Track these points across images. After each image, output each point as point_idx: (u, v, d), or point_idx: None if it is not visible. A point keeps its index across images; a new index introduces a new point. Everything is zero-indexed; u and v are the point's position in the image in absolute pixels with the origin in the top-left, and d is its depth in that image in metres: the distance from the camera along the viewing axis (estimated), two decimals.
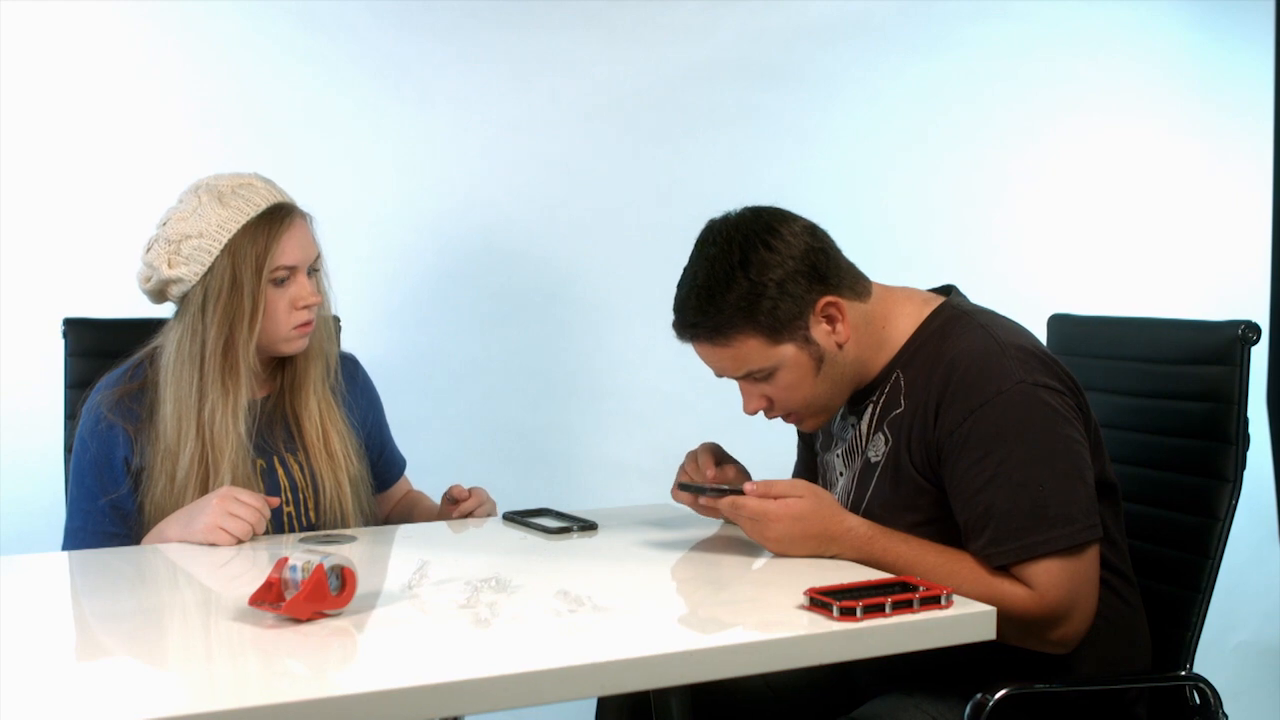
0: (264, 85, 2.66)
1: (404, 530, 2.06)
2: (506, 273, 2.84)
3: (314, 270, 2.05)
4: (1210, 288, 3.27)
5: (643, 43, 2.90)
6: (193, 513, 1.92)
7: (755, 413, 1.88)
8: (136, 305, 2.31)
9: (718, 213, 1.89)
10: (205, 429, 1.97)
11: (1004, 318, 1.87)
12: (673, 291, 1.86)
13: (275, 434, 2.07)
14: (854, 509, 1.87)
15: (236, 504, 1.90)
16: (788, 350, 1.80)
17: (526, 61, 2.83)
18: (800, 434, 2.15)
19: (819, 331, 1.81)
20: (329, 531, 2.00)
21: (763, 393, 1.85)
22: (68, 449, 2.18)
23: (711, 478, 1.91)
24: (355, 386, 2.20)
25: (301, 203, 2.07)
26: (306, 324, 2.03)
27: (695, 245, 1.85)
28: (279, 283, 1.99)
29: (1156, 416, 2.05)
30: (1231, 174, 3.36)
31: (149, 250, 2.01)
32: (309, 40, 2.68)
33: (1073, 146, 3.24)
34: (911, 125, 3.08)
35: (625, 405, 2.92)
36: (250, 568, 1.80)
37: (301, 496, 2.07)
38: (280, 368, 2.10)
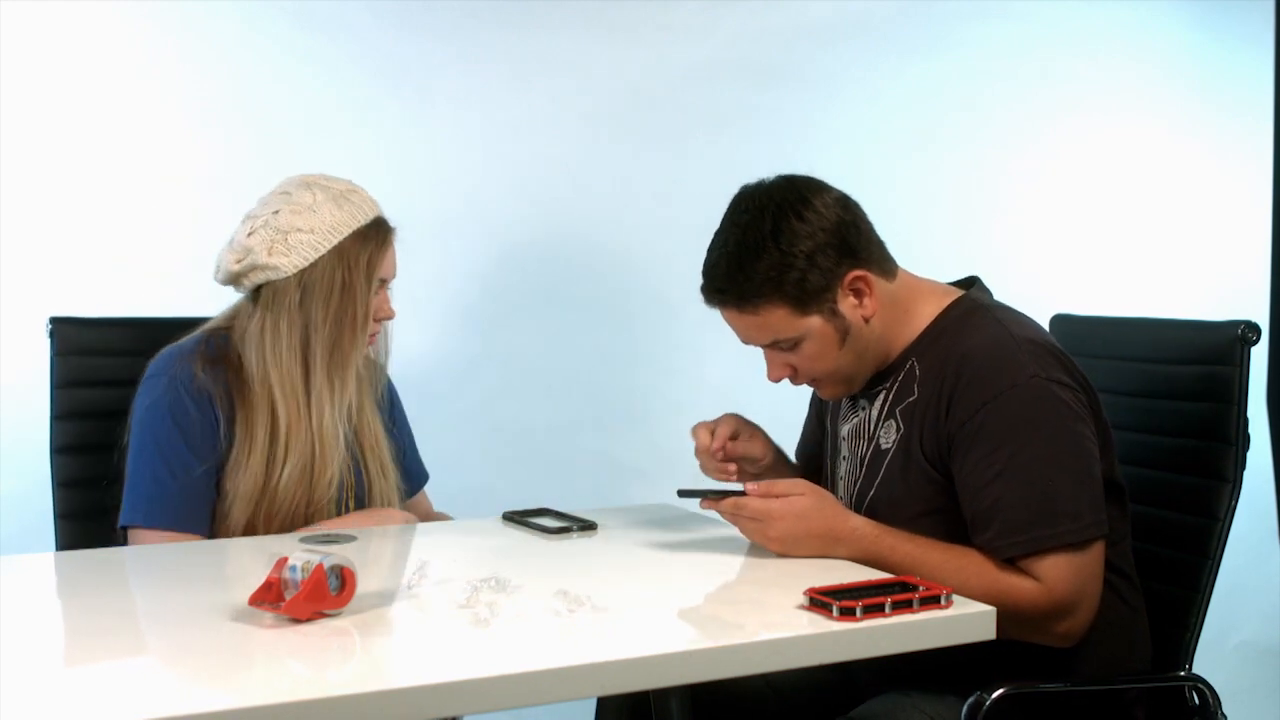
0: (263, 85, 2.65)
1: (404, 530, 2.06)
2: (506, 273, 2.84)
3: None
4: (1210, 288, 3.26)
5: (643, 43, 2.90)
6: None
7: (779, 380, 1.89)
8: (125, 304, 2.31)
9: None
10: (315, 423, 1.99)
11: (1021, 314, 1.88)
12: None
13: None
14: (860, 494, 1.88)
15: None
16: (814, 321, 1.80)
17: (526, 61, 2.83)
18: (812, 406, 2.15)
19: (846, 304, 1.81)
20: (329, 531, 2.00)
21: (787, 361, 1.86)
22: (55, 449, 2.16)
23: (719, 450, 1.93)
24: (390, 401, 2.24)
25: None
26: (375, 335, 2.09)
27: (727, 210, 1.85)
28: (373, 293, 2.04)
29: (1156, 416, 2.05)
30: (1231, 174, 3.36)
31: (251, 234, 2.01)
32: (308, 40, 2.68)
33: (1073, 146, 3.24)
34: (911, 125, 3.08)
35: (625, 405, 2.92)
36: (250, 568, 1.80)
37: (346, 496, 2.08)
38: None
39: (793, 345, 1.83)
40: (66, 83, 2.52)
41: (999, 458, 1.72)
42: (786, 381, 1.90)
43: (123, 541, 2.09)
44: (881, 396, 1.88)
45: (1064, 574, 1.70)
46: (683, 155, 2.92)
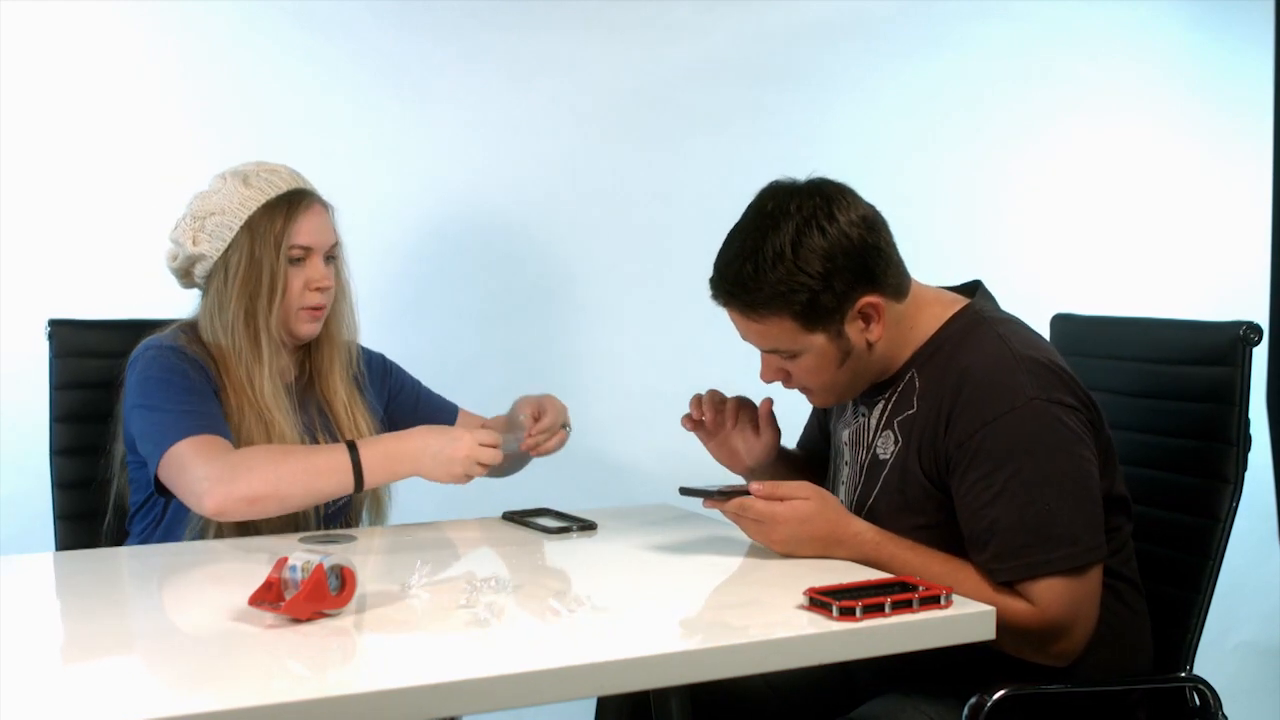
0: (263, 85, 2.65)
1: (404, 530, 2.06)
2: (506, 273, 2.84)
3: (331, 258, 2.10)
4: (1210, 288, 3.27)
5: (643, 43, 2.90)
6: (435, 455, 1.92)
7: (771, 383, 1.89)
8: (123, 306, 2.30)
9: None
10: (255, 395, 2.00)
11: (1024, 326, 1.86)
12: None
13: (311, 416, 2.10)
14: (859, 504, 1.88)
15: (480, 451, 1.91)
16: (817, 339, 1.79)
17: (526, 62, 2.83)
18: (818, 416, 2.15)
19: (853, 328, 1.79)
20: (329, 531, 2.00)
21: (782, 367, 1.85)
22: (54, 451, 2.16)
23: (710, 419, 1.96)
24: (371, 372, 2.24)
25: None
26: (318, 308, 2.07)
27: (752, 204, 1.82)
28: (294, 261, 2.04)
29: (1157, 417, 2.05)
30: (1231, 174, 3.36)
31: (176, 228, 2.07)
32: (308, 40, 2.68)
33: (1073, 146, 3.24)
34: (912, 125, 3.08)
35: (625, 405, 2.92)
36: (250, 568, 1.79)
37: None
38: (306, 356, 2.14)
39: (791, 356, 1.82)
40: (66, 83, 2.52)
41: (997, 480, 1.71)
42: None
43: (118, 538, 2.08)
44: (880, 406, 1.88)
45: (1058, 597, 1.69)
46: (683, 155, 2.92)
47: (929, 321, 1.86)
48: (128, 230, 2.54)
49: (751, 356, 1.91)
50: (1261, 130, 3.30)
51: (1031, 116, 3.19)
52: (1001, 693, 1.70)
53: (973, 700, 1.70)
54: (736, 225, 1.82)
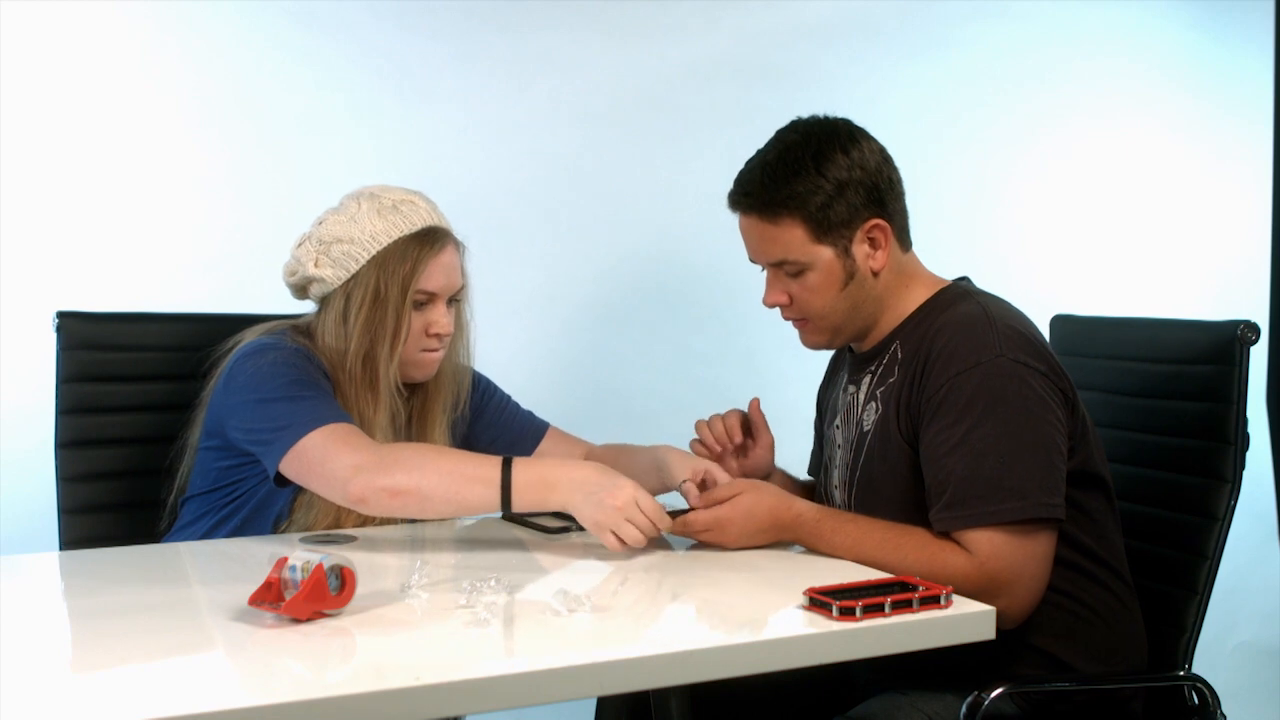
0: (263, 85, 2.66)
1: (404, 530, 2.06)
2: (506, 273, 2.84)
3: (455, 300, 2.06)
4: (1210, 288, 3.27)
5: (642, 43, 2.91)
6: (591, 493, 1.77)
7: (773, 306, 1.92)
8: (130, 298, 2.30)
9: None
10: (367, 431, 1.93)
11: (1007, 303, 1.89)
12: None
13: None
14: (851, 477, 1.91)
15: (636, 512, 1.77)
16: (825, 253, 1.85)
17: (526, 62, 2.83)
18: (816, 430, 2.15)
19: (859, 249, 1.86)
20: (329, 531, 2.00)
21: (786, 288, 1.89)
22: (60, 444, 2.15)
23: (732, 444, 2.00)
24: (479, 401, 2.21)
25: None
26: (434, 351, 2.03)
27: (775, 133, 1.91)
28: (418, 305, 1.99)
29: (1156, 416, 2.05)
30: (1231, 174, 3.36)
31: (300, 246, 2.01)
32: (308, 40, 2.68)
33: (1072, 147, 3.24)
34: (911, 126, 3.07)
35: (624, 405, 2.92)
36: (250, 568, 1.80)
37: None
38: (411, 394, 2.09)
39: (798, 272, 1.86)
40: (69, 81, 2.53)
41: (957, 431, 1.74)
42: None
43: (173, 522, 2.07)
44: (867, 380, 1.91)
45: (998, 550, 1.70)
46: (683, 155, 2.92)
47: (918, 293, 1.91)
48: (136, 224, 2.55)
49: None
50: (1261, 130, 3.31)
51: (1031, 117, 3.19)
52: (999, 690, 1.71)
53: (971, 697, 1.71)
54: (759, 149, 1.90)
